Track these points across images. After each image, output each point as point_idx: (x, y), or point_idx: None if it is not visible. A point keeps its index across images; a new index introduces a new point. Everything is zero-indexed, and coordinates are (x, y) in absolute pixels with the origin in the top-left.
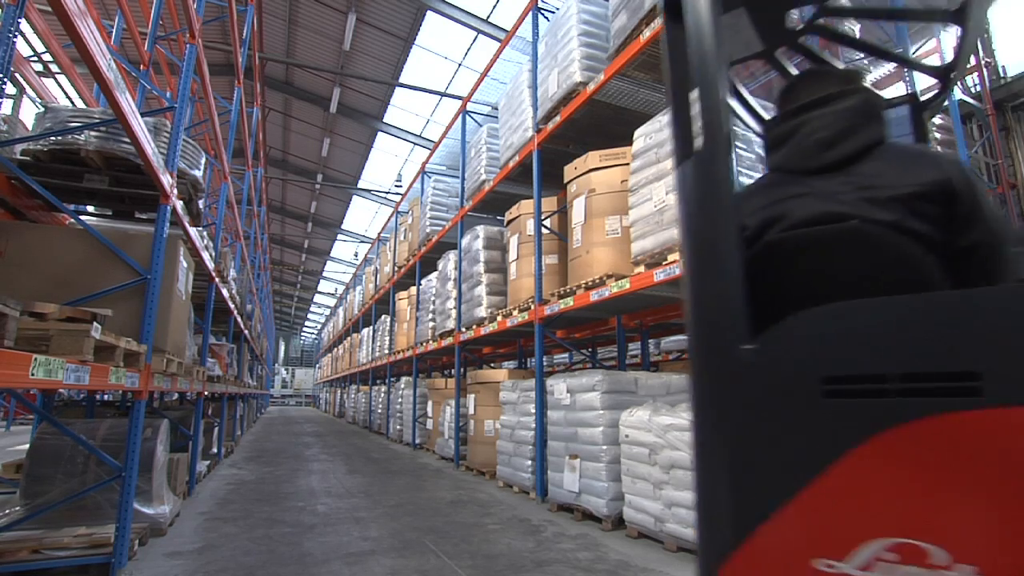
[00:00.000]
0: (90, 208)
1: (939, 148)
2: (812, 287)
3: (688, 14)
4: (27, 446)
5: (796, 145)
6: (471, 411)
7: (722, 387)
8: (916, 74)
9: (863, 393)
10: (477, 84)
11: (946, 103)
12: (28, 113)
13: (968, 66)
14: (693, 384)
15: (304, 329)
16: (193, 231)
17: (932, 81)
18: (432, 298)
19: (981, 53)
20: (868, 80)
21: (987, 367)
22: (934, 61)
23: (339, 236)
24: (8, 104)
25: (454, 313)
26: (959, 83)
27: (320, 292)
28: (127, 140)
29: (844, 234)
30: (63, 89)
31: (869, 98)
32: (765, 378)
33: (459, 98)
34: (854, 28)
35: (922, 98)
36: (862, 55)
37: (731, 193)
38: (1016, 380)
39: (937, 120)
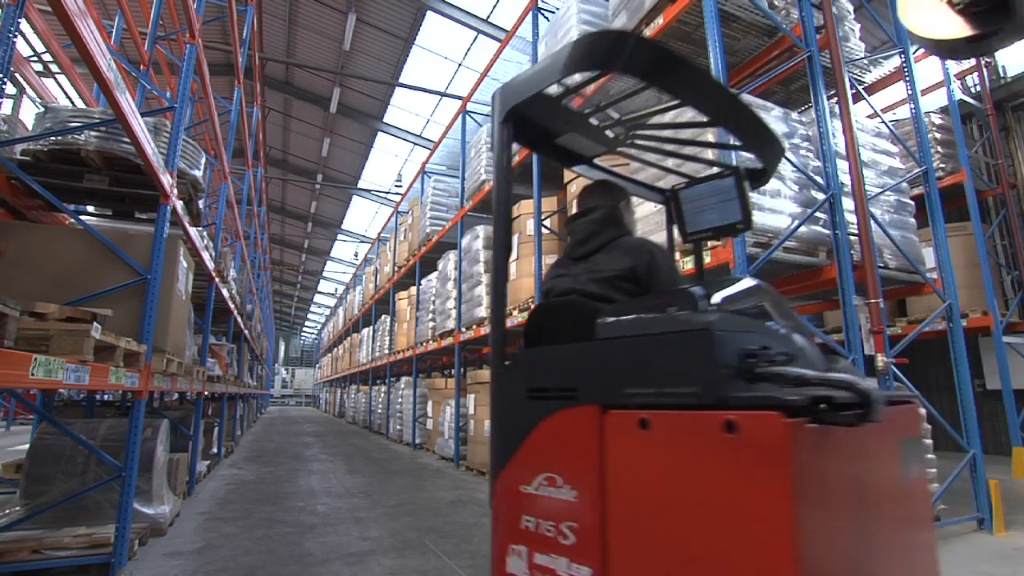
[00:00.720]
0: (90, 208)
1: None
2: (551, 335)
3: (495, 156)
4: (27, 446)
5: (570, 240)
6: (471, 411)
7: (496, 388)
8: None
9: (540, 397)
10: (477, 84)
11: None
12: (28, 113)
13: (969, 66)
14: (491, 384)
15: (304, 329)
16: (193, 231)
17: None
18: (432, 298)
19: None
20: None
21: (577, 384)
22: (933, 63)
23: (339, 236)
24: (8, 104)
25: (454, 313)
26: (960, 83)
27: (320, 292)
28: (127, 140)
29: (568, 303)
30: (63, 89)
31: (612, 212)
32: (510, 385)
33: (459, 98)
34: (854, 28)
35: (745, 171)
36: (866, 54)
37: (505, 280)
38: (587, 392)
39: (937, 120)
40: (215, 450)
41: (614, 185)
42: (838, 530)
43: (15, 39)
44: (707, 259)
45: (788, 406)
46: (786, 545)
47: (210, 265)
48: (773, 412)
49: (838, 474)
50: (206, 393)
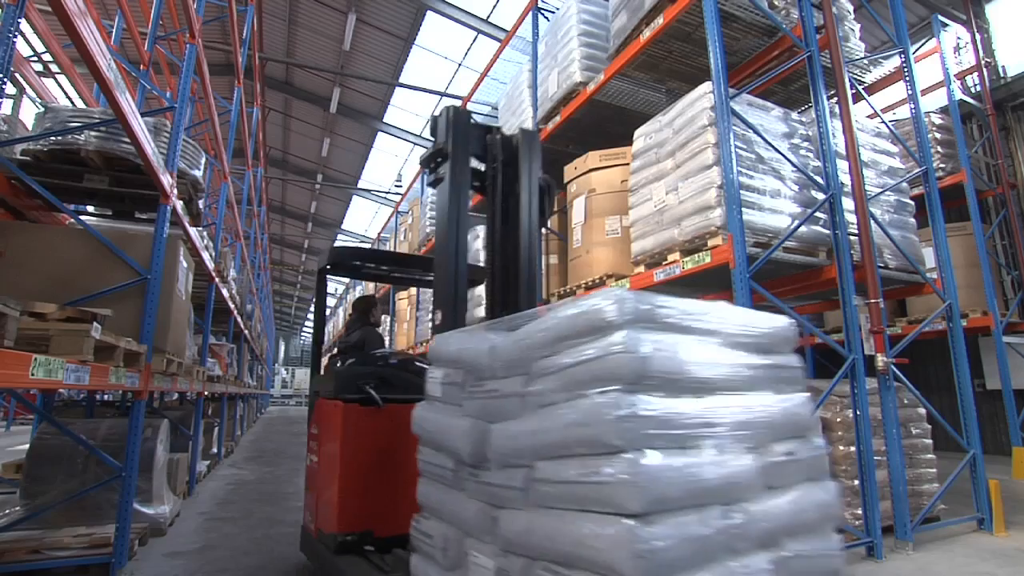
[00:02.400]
0: (90, 208)
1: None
2: (336, 365)
3: (316, 289)
4: (27, 446)
5: (345, 325)
6: None
7: (311, 389)
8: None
9: (315, 394)
10: (477, 84)
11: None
12: (28, 113)
13: (969, 66)
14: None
15: (304, 329)
16: (193, 231)
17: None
18: (432, 298)
19: (981, 53)
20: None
21: (320, 390)
22: (934, 62)
23: (339, 236)
24: (8, 104)
25: None
26: (961, 83)
27: None
28: (127, 140)
29: (333, 355)
30: (63, 89)
31: (360, 315)
32: (313, 388)
33: (459, 98)
34: (854, 28)
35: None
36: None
37: (321, 341)
38: (322, 392)
39: (937, 120)
40: (215, 450)
41: (368, 299)
42: (379, 447)
43: (15, 39)
44: (707, 259)
45: (346, 399)
46: (338, 447)
47: (210, 265)
48: (339, 401)
49: (385, 426)
50: (206, 393)
